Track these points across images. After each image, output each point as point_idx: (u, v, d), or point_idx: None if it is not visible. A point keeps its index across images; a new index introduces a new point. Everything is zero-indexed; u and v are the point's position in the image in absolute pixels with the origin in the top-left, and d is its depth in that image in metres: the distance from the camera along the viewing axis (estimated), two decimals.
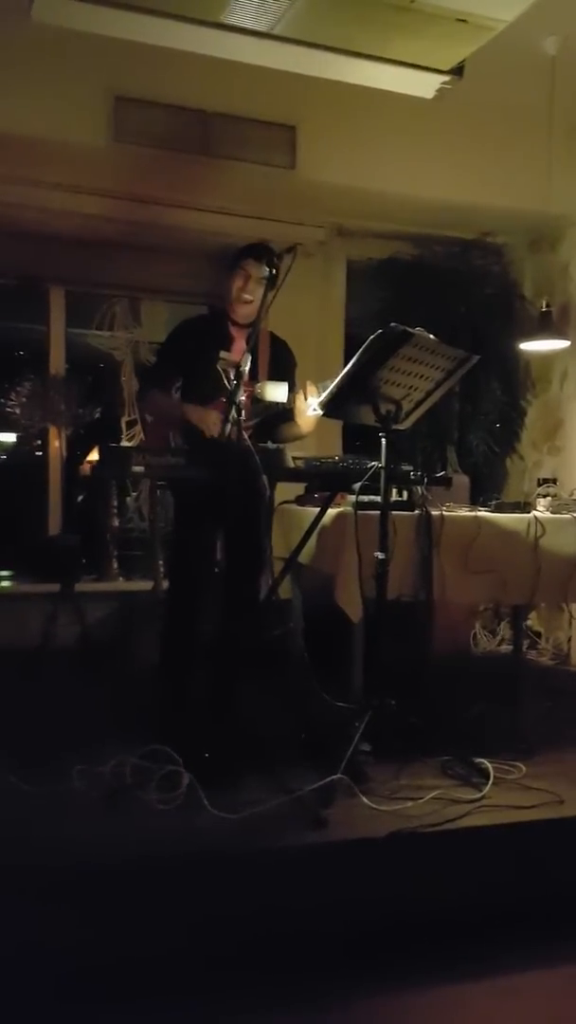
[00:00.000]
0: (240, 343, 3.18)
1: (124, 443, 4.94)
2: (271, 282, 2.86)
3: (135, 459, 2.94)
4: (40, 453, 5.11)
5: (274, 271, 2.83)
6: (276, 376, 3.16)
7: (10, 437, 5.88)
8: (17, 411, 4.96)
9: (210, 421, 2.93)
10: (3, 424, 5.31)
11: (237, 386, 2.81)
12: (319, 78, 3.68)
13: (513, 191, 4.61)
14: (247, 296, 3.12)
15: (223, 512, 3.02)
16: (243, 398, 2.85)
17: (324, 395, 2.82)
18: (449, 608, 3.12)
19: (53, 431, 4.95)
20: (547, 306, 4.31)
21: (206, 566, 3.15)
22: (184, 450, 3.00)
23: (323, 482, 3.12)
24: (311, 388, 3.00)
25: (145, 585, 4.49)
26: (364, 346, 2.65)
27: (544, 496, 3.49)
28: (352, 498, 2.85)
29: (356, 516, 2.80)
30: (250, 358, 2.86)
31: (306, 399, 3.01)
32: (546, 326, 4.32)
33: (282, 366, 3.24)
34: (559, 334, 4.41)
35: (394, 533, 2.83)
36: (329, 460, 3.06)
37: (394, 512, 2.87)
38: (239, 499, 2.92)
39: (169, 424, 3.10)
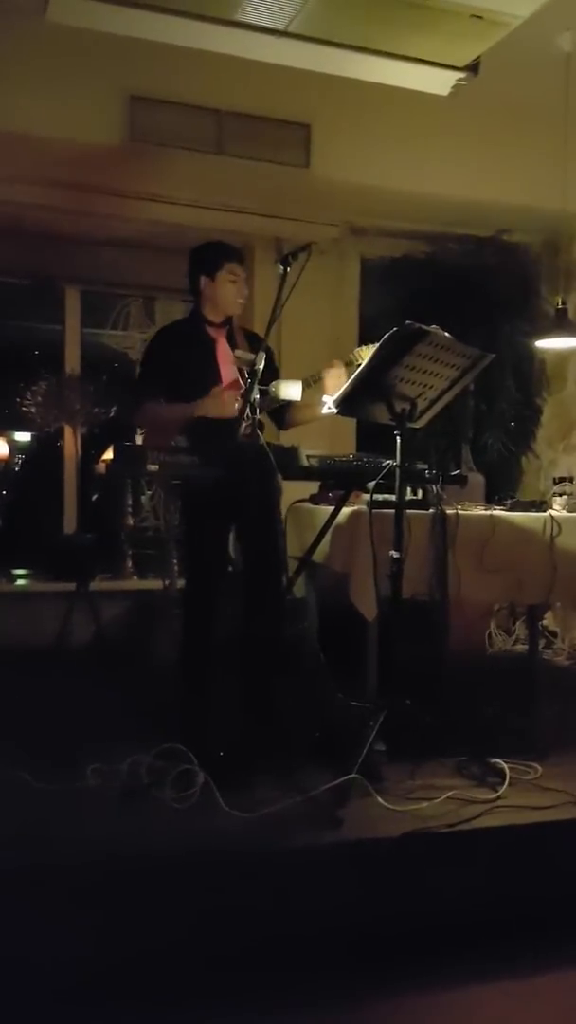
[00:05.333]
0: (222, 341, 3.18)
1: (139, 442, 4.94)
2: (283, 281, 2.86)
3: (150, 458, 2.95)
4: (55, 452, 5.12)
5: (287, 269, 2.83)
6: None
7: (26, 436, 5.91)
8: (33, 410, 4.97)
9: (228, 404, 2.95)
10: (19, 423, 5.33)
11: (251, 384, 2.81)
12: (333, 76, 3.67)
13: (528, 188, 4.59)
14: (242, 300, 3.19)
15: (234, 509, 3.02)
16: (256, 397, 2.85)
17: (339, 393, 2.81)
18: (464, 607, 3.10)
19: (68, 430, 4.97)
20: (562, 304, 4.28)
21: (220, 563, 3.15)
22: (199, 449, 2.99)
23: (337, 480, 3.11)
24: (336, 368, 3.05)
25: (159, 584, 4.49)
26: (379, 344, 2.65)
27: (560, 495, 3.47)
28: (367, 497, 2.85)
29: (371, 515, 2.79)
30: (264, 356, 2.86)
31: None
32: (561, 324, 4.29)
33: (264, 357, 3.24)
34: (574, 332, 4.38)
35: (409, 532, 2.82)
36: (343, 458, 3.05)
37: (409, 511, 2.86)
38: (254, 498, 2.92)
39: (167, 431, 3.05)
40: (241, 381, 3.02)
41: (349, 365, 3.10)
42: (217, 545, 3.13)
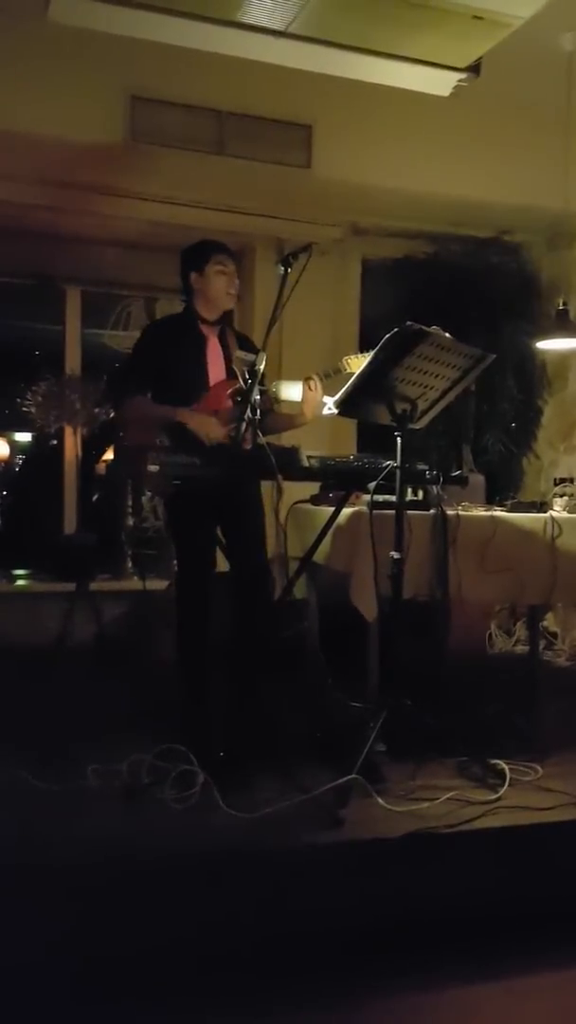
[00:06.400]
0: (213, 340, 3.17)
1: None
2: (284, 281, 2.86)
3: (150, 458, 2.95)
4: (55, 452, 5.12)
5: (288, 269, 2.83)
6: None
7: (26, 436, 5.92)
8: (33, 411, 4.97)
9: (211, 429, 2.94)
10: (20, 423, 5.34)
11: (252, 385, 2.81)
12: (334, 76, 3.67)
13: (530, 188, 4.59)
14: (232, 292, 3.14)
15: (220, 509, 3.02)
16: (256, 398, 2.85)
17: (339, 394, 2.81)
18: (465, 608, 3.11)
19: (68, 430, 4.97)
20: (564, 304, 4.28)
21: (209, 563, 3.14)
22: (185, 449, 2.98)
23: (338, 481, 3.11)
24: (314, 382, 3.06)
25: (159, 584, 4.50)
26: (380, 345, 2.65)
27: (561, 496, 3.47)
28: (367, 497, 2.84)
29: (371, 515, 2.79)
30: (264, 357, 2.85)
31: (311, 389, 3.07)
32: (563, 325, 4.29)
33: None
34: None
35: (409, 532, 2.82)
36: (344, 459, 3.05)
37: (409, 511, 2.86)
38: (239, 499, 2.92)
39: (151, 429, 3.04)
40: (241, 381, 3.01)
41: (338, 373, 3.10)
42: (205, 545, 3.13)
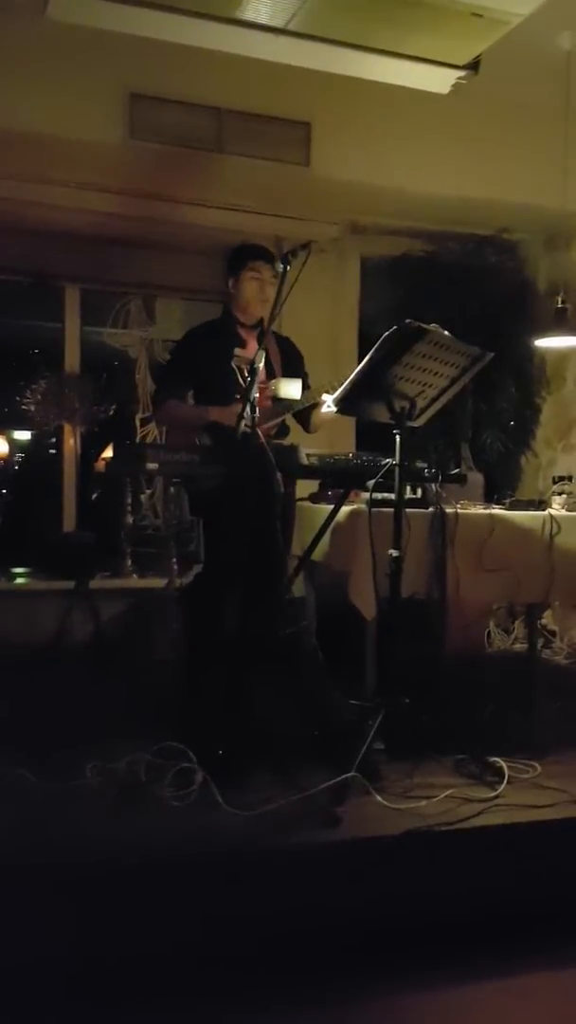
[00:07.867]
0: (251, 343, 3.20)
1: (138, 440, 4.96)
2: (283, 279, 2.86)
3: (150, 456, 2.96)
4: (55, 451, 5.12)
5: (287, 267, 2.83)
6: (288, 371, 3.18)
7: (25, 435, 5.91)
8: (32, 409, 4.97)
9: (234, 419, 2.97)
10: (19, 422, 5.33)
11: (251, 384, 2.81)
12: (334, 74, 3.67)
13: (529, 187, 4.59)
14: (264, 298, 3.18)
15: (243, 509, 3.03)
16: (256, 396, 2.86)
17: (338, 392, 2.82)
18: (463, 606, 3.11)
19: (68, 429, 4.97)
20: (562, 303, 4.29)
21: (237, 560, 3.15)
22: (198, 448, 3.01)
23: (337, 479, 3.11)
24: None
25: (159, 582, 4.50)
26: (379, 343, 2.65)
27: (559, 494, 3.47)
28: (366, 495, 2.85)
29: (370, 513, 2.79)
30: (264, 355, 2.86)
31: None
32: (561, 323, 4.30)
33: (292, 360, 3.27)
34: (574, 331, 4.38)
35: (408, 531, 2.82)
36: (343, 457, 3.06)
37: (408, 510, 2.86)
38: (254, 497, 2.93)
39: (189, 430, 3.12)
40: (241, 380, 3.02)
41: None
42: (236, 543, 3.13)
